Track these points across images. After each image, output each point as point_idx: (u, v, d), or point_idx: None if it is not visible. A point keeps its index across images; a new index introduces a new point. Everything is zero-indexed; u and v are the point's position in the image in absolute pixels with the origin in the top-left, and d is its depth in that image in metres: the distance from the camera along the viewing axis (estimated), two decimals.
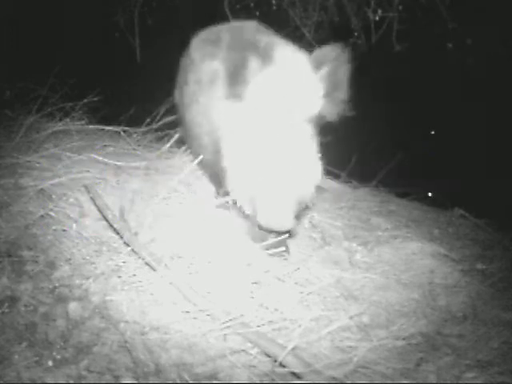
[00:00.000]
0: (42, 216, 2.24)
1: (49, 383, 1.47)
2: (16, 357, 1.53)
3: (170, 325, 1.84)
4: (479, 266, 2.87)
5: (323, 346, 1.90)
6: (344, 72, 2.25)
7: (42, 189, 2.40)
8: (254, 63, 2.15)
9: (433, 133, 5.70)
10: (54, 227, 2.22)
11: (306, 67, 2.19)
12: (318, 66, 2.20)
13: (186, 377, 1.60)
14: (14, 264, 1.91)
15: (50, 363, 1.54)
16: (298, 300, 2.19)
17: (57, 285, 1.87)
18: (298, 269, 2.45)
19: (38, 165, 2.65)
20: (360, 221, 3.33)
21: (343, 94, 2.28)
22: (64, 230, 2.23)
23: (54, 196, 2.41)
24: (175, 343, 1.76)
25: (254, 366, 1.71)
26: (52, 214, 2.28)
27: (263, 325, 1.88)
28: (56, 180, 2.46)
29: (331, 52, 2.21)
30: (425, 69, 5.15)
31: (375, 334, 2.03)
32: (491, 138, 4.78)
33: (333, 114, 2.31)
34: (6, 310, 1.71)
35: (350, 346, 1.93)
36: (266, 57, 2.14)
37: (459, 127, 5.05)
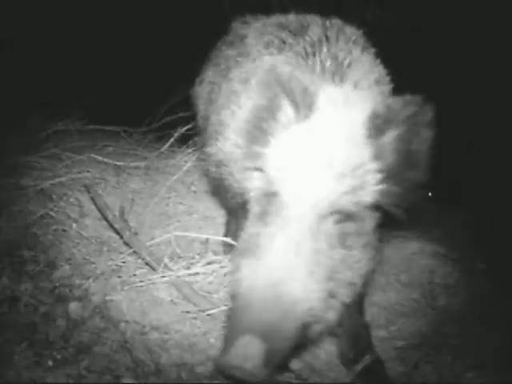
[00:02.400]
0: (42, 216, 2.24)
1: (49, 383, 1.47)
2: (16, 357, 1.53)
3: (170, 325, 1.85)
4: (479, 265, 2.87)
5: (323, 346, 1.90)
6: (423, 139, 1.53)
7: (42, 189, 2.41)
8: (285, 113, 1.59)
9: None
10: (54, 227, 2.22)
11: (360, 128, 1.51)
12: (381, 127, 1.50)
13: (186, 377, 1.60)
14: (14, 264, 1.91)
15: (50, 363, 1.54)
16: None
17: (57, 285, 1.88)
18: None
19: (37, 165, 2.65)
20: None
21: (419, 174, 1.55)
22: (64, 230, 2.23)
23: (54, 196, 2.41)
24: (175, 343, 1.76)
25: None
26: (52, 213, 2.28)
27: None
28: (56, 180, 2.47)
29: (405, 106, 1.49)
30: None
31: (375, 334, 2.03)
32: (491, 137, 4.79)
33: (400, 203, 1.60)
34: (7, 310, 1.71)
35: None
36: (302, 105, 1.56)
37: (460, 126, 5.05)
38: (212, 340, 1.80)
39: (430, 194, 4.95)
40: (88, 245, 2.21)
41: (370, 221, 1.58)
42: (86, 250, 2.16)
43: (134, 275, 2.05)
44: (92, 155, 2.83)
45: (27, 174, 2.53)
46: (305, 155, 1.47)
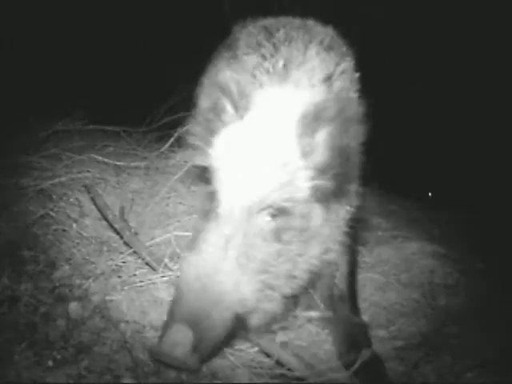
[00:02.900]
0: (42, 216, 2.24)
1: (49, 383, 1.47)
2: (16, 357, 1.53)
3: None
4: (479, 265, 2.87)
5: (323, 346, 1.90)
6: (353, 135, 1.56)
7: (42, 189, 2.41)
8: (228, 114, 1.70)
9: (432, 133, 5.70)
10: (54, 227, 2.22)
11: (291, 127, 1.57)
12: (311, 125, 1.55)
13: (186, 377, 1.60)
14: (14, 264, 1.91)
15: (50, 363, 1.54)
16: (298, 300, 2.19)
17: (57, 285, 1.87)
18: None
19: (38, 165, 2.65)
20: (360, 221, 3.33)
21: (352, 169, 1.60)
22: (64, 230, 2.23)
23: (54, 196, 2.41)
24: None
25: (253, 367, 1.71)
26: (52, 213, 2.28)
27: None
28: (56, 180, 2.47)
29: (334, 104, 1.55)
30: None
31: (375, 334, 2.03)
32: (491, 137, 4.79)
33: (337, 198, 1.64)
34: (7, 310, 1.71)
35: None
36: (239, 106, 1.67)
37: (460, 126, 5.05)
38: None
39: (430, 194, 4.95)
40: (88, 245, 2.21)
41: (316, 217, 1.63)
42: (85, 250, 2.16)
43: (134, 275, 2.05)
44: (92, 155, 2.83)
45: (27, 173, 2.53)
46: (238, 154, 1.57)
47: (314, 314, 2.02)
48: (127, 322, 1.80)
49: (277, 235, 1.55)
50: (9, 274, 1.85)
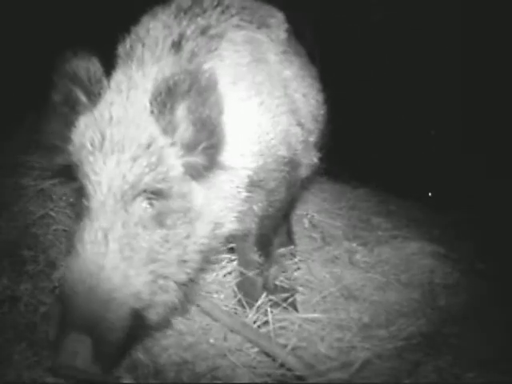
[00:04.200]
0: (42, 216, 2.24)
1: (49, 383, 1.47)
2: (16, 357, 1.53)
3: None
4: (479, 265, 2.87)
5: (323, 346, 1.90)
6: (211, 105, 1.52)
7: (42, 189, 2.41)
8: (81, 104, 1.60)
9: (433, 133, 5.70)
10: (53, 227, 2.22)
11: (145, 107, 1.53)
12: (166, 102, 1.49)
13: (186, 376, 1.60)
14: (14, 264, 1.91)
15: (50, 363, 1.54)
16: (298, 300, 2.19)
17: (57, 285, 1.87)
18: (299, 269, 2.45)
19: (37, 165, 2.65)
20: (360, 221, 3.34)
21: (216, 139, 1.55)
22: (64, 230, 2.23)
23: (53, 196, 2.41)
24: (175, 343, 1.76)
25: (253, 367, 1.71)
26: (52, 213, 2.28)
27: (263, 324, 1.88)
28: (56, 180, 2.46)
29: (185, 78, 1.48)
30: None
31: (375, 334, 2.03)
32: (491, 137, 4.79)
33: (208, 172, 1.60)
34: (7, 310, 1.71)
35: (350, 346, 1.93)
36: (90, 93, 1.58)
37: (460, 126, 5.05)
38: (212, 340, 1.80)
39: (430, 194, 4.95)
40: None
41: (197, 194, 1.59)
42: None
43: None
44: None
45: (27, 174, 2.53)
46: (97, 144, 1.48)
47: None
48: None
49: (158, 220, 1.49)
50: (9, 274, 1.85)
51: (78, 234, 1.45)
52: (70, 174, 1.60)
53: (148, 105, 1.51)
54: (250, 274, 1.98)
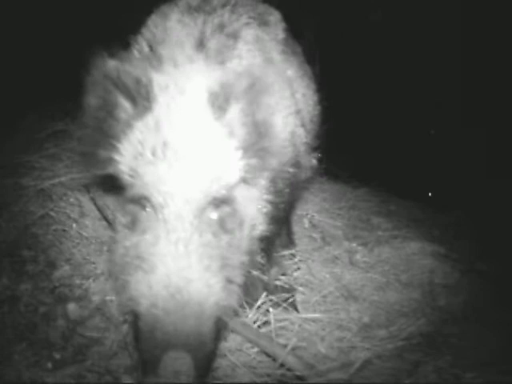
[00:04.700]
0: (42, 216, 2.24)
1: (49, 383, 1.47)
2: (16, 357, 1.53)
3: None
4: (479, 265, 2.87)
5: (323, 346, 1.90)
6: (265, 107, 1.52)
7: (42, 189, 2.41)
8: (123, 109, 1.49)
9: (433, 132, 5.70)
10: (53, 227, 2.22)
11: (204, 111, 1.48)
12: (222, 105, 1.48)
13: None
14: (14, 264, 1.91)
15: (50, 363, 1.54)
16: (298, 300, 2.19)
17: (57, 285, 1.88)
18: (299, 269, 2.45)
19: (37, 165, 2.65)
20: (360, 221, 3.34)
21: (271, 141, 1.55)
22: (64, 230, 2.23)
23: (54, 196, 2.41)
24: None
25: (253, 367, 1.71)
26: (52, 213, 2.28)
27: (263, 324, 1.88)
28: (56, 180, 2.47)
29: (238, 80, 1.48)
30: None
31: (375, 334, 2.03)
32: (491, 137, 4.79)
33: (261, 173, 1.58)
34: (6, 310, 1.71)
35: (350, 346, 1.93)
36: (138, 98, 1.46)
37: (460, 126, 5.05)
38: None
39: (430, 194, 4.95)
40: (88, 245, 2.21)
41: (242, 198, 1.58)
42: (85, 250, 2.16)
43: None
44: None
45: (27, 173, 2.53)
46: (159, 152, 1.39)
47: None
48: (127, 322, 1.79)
49: (222, 226, 1.47)
50: (9, 274, 1.85)
51: (147, 248, 1.38)
52: (112, 183, 1.53)
53: (206, 108, 1.47)
54: (251, 274, 1.98)
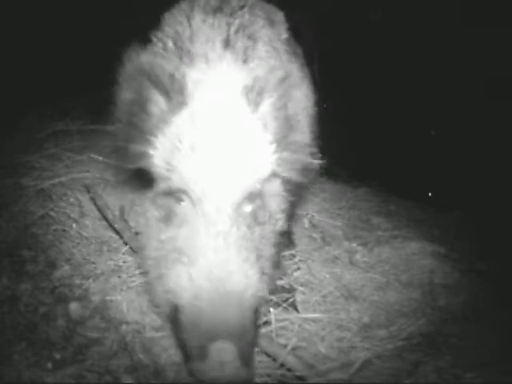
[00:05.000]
0: (42, 216, 2.24)
1: (49, 383, 1.47)
2: (16, 357, 1.53)
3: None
4: (479, 265, 2.87)
5: (323, 346, 1.90)
6: (297, 101, 1.55)
7: (42, 189, 2.41)
8: (157, 104, 1.48)
9: (433, 133, 5.70)
10: (53, 227, 2.22)
11: (240, 106, 1.49)
12: (256, 100, 1.49)
13: (186, 377, 1.60)
14: (14, 264, 1.91)
15: (50, 363, 1.54)
16: (298, 300, 2.19)
17: (57, 285, 1.88)
18: (299, 269, 2.45)
19: (37, 165, 2.65)
20: (360, 221, 3.34)
21: (302, 135, 1.58)
22: (64, 230, 2.23)
23: (54, 196, 2.41)
24: (175, 343, 1.76)
25: None
26: (52, 213, 2.28)
27: (263, 324, 1.88)
28: (56, 180, 2.47)
29: (271, 74, 1.49)
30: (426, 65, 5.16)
31: (375, 334, 2.03)
32: (491, 137, 4.79)
33: (294, 169, 1.58)
34: (6, 310, 1.71)
35: (350, 346, 1.93)
36: (172, 93, 1.45)
37: (460, 126, 5.05)
38: None
39: (429, 195, 4.95)
40: (88, 245, 2.21)
41: (270, 191, 1.60)
42: (86, 250, 2.16)
43: (134, 275, 2.05)
44: (92, 155, 2.83)
45: (27, 174, 2.53)
46: (198, 147, 1.40)
47: None
48: (127, 322, 1.79)
49: (255, 218, 1.50)
50: (9, 274, 1.85)
51: (186, 241, 1.39)
52: (145, 177, 1.53)
53: (241, 103, 1.48)
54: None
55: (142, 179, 1.58)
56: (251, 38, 1.82)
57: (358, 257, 2.77)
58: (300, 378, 1.63)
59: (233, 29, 1.79)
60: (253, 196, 1.48)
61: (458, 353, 1.96)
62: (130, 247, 2.14)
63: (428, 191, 5.01)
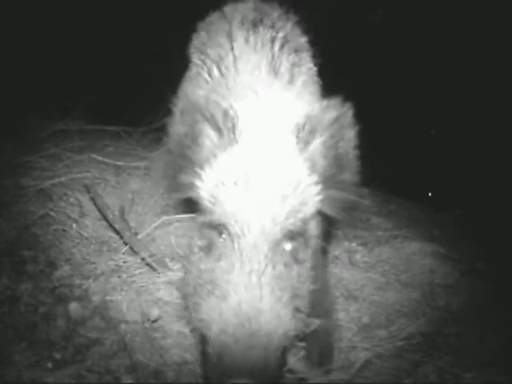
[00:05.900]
0: (42, 216, 2.24)
1: (49, 383, 1.47)
2: (16, 357, 1.53)
3: (170, 324, 1.85)
4: (479, 265, 2.87)
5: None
6: (348, 141, 1.54)
7: (42, 189, 2.41)
8: (209, 138, 1.51)
9: (433, 133, 5.70)
10: (53, 227, 2.22)
11: (288, 144, 1.50)
12: (307, 138, 1.49)
13: (186, 376, 1.60)
14: (14, 264, 1.91)
15: (50, 363, 1.54)
16: None
17: (57, 285, 1.88)
18: None
19: (37, 165, 2.65)
20: (360, 221, 3.33)
21: (351, 174, 1.56)
22: (64, 230, 2.23)
23: (54, 196, 2.41)
24: (175, 343, 1.76)
25: None
26: (52, 213, 2.28)
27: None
28: (56, 180, 2.47)
29: (325, 112, 1.51)
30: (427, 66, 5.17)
31: (375, 334, 2.03)
32: (491, 136, 4.79)
33: (339, 206, 1.58)
34: (7, 310, 1.71)
35: (350, 346, 1.93)
36: (224, 130, 1.48)
37: (460, 126, 5.05)
38: None
39: (429, 195, 4.95)
40: (88, 245, 2.21)
41: (313, 228, 1.59)
42: (86, 250, 2.16)
43: (134, 275, 2.05)
44: (92, 155, 2.83)
45: (27, 174, 2.53)
46: (242, 183, 1.41)
47: None
48: (127, 322, 1.79)
49: (294, 256, 1.47)
50: (9, 274, 1.85)
51: (221, 275, 1.39)
52: (190, 207, 1.55)
53: (290, 141, 1.48)
54: None
55: (191, 208, 1.61)
56: (296, 52, 1.80)
57: (357, 257, 2.77)
58: (300, 377, 1.63)
59: (277, 45, 1.77)
60: (294, 234, 1.46)
61: (457, 353, 1.96)
62: (130, 247, 2.15)
63: (428, 191, 5.01)
